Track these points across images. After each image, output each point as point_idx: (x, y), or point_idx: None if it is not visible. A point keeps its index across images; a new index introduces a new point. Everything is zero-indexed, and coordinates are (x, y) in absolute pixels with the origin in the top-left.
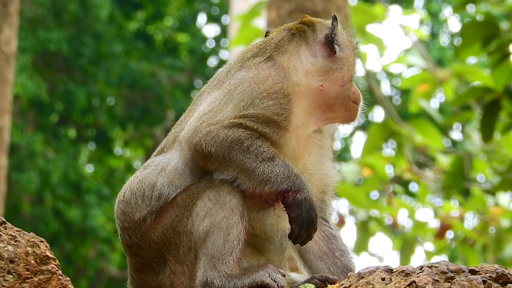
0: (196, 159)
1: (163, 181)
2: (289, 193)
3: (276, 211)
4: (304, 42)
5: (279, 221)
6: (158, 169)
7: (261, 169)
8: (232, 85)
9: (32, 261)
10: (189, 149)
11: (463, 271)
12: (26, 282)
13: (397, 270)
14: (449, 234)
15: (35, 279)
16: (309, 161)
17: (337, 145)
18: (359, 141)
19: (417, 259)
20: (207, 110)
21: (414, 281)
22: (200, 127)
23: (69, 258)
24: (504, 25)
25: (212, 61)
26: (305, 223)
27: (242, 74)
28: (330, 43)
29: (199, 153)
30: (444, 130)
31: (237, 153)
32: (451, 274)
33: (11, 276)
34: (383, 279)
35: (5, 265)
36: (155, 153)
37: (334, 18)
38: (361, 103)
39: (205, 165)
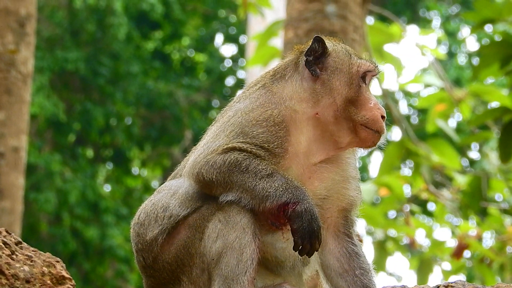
0: (202, 189)
1: (175, 203)
2: (289, 205)
3: (285, 234)
4: (297, 67)
5: (289, 246)
6: (170, 192)
7: (261, 186)
8: (227, 117)
9: (48, 281)
10: (193, 181)
11: None
12: None
13: None
14: (467, 254)
15: None
16: (320, 187)
17: None
18: (376, 160)
19: (435, 278)
20: (203, 143)
21: None
22: (198, 159)
23: (87, 278)
24: None
25: (229, 81)
26: (307, 234)
27: (237, 105)
28: (309, 66)
29: (202, 183)
30: (462, 150)
31: (237, 174)
32: None
33: None
34: None
35: (21, 285)
36: (169, 178)
37: (315, 40)
38: (378, 127)
39: (211, 192)
